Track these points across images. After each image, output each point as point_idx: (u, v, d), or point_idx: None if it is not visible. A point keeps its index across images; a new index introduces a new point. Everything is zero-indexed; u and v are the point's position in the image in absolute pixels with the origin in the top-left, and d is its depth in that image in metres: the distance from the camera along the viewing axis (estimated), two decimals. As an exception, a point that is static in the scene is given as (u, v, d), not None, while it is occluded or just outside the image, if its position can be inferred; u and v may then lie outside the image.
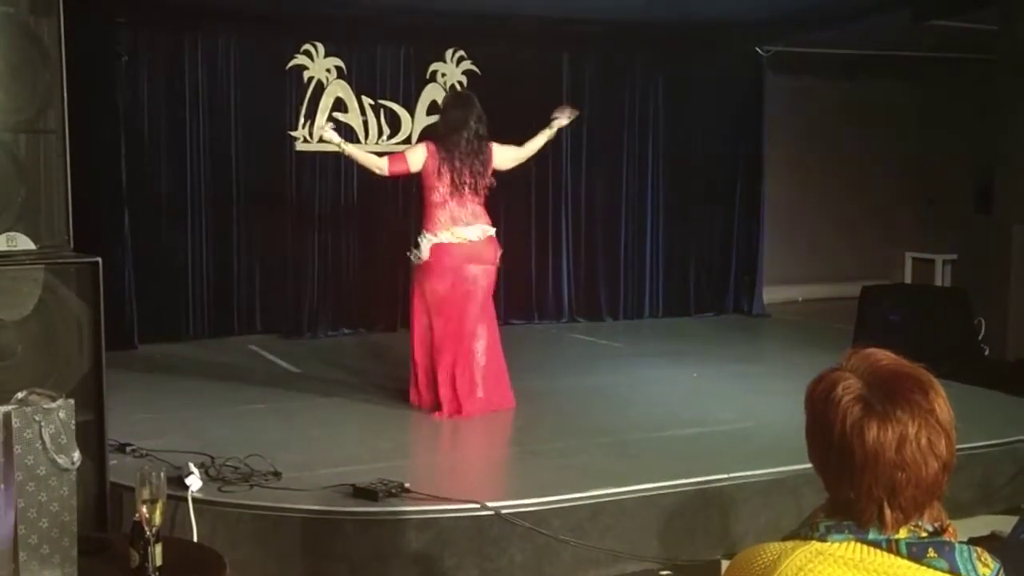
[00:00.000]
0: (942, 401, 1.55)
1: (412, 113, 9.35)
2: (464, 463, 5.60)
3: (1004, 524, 4.97)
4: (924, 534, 1.53)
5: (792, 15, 9.18)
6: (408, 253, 6.24)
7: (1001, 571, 1.53)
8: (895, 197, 12.11)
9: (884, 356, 1.59)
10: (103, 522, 3.74)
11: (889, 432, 1.50)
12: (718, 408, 6.40)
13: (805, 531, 1.58)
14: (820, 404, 1.56)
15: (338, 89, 9.14)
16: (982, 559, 1.52)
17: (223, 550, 3.07)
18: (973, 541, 1.57)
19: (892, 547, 1.51)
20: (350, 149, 6.41)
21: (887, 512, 1.52)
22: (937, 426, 1.52)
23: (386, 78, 9.32)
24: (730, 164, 10.61)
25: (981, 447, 5.37)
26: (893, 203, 12.11)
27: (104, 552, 2.89)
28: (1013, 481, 5.49)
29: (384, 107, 9.27)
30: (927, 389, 1.55)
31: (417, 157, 6.07)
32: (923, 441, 1.51)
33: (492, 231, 6.13)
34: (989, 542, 2.78)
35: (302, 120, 9.03)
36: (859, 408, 1.52)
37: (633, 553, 4.56)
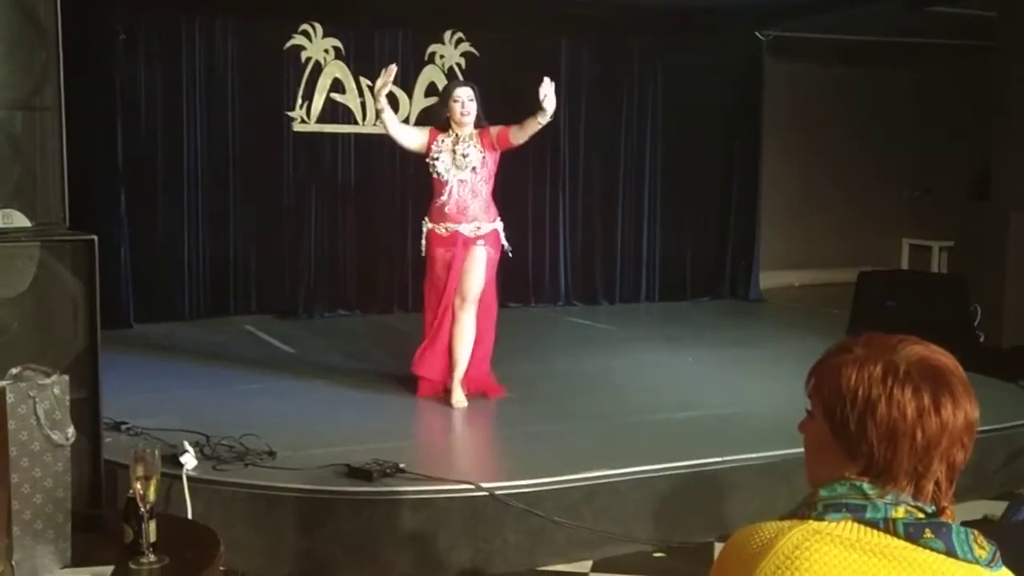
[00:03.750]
0: (970, 386, 1.62)
1: (410, 95, 9.32)
2: (459, 444, 5.61)
3: (997, 509, 5.00)
4: (922, 515, 1.54)
5: (791, 0, 9.15)
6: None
7: (997, 554, 1.53)
8: (892, 183, 12.11)
9: (896, 337, 1.62)
10: (98, 499, 3.73)
11: (961, 408, 1.57)
12: (713, 392, 6.41)
13: (803, 510, 1.58)
14: (876, 390, 1.57)
15: (336, 70, 9.12)
16: (978, 541, 1.52)
17: (218, 528, 3.07)
18: (966, 525, 1.57)
19: (889, 527, 1.51)
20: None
21: (942, 484, 1.57)
22: (976, 403, 1.60)
23: (384, 59, 9.23)
24: (728, 149, 10.61)
25: (976, 433, 5.37)
26: (890, 189, 12.11)
27: (98, 528, 2.89)
28: (1006, 467, 5.51)
29: (382, 88, 9.23)
30: (959, 367, 1.61)
31: None
32: (977, 416, 1.59)
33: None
34: (982, 526, 2.79)
35: (299, 101, 9.01)
36: (925, 390, 1.56)
37: (627, 535, 4.57)
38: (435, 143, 6.02)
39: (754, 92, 10.65)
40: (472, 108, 6.01)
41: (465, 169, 5.98)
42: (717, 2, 9.44)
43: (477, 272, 5.98)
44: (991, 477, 5.42)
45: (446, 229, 6.00)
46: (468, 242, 5.97)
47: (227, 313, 8.93)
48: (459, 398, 5.95)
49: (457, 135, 6.01)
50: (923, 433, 1.54)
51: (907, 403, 1.55)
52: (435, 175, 6.02)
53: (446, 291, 6.01)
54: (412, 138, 6.10)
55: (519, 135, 6.04)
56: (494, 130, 6.08)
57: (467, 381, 6.09)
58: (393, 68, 5.95)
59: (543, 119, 5.89)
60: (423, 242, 6.13)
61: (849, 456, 1.61)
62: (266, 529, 4.37)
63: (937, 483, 1.57)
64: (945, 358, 1.61)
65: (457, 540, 4.38)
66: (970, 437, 1.59)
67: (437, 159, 5.99)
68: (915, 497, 1.56)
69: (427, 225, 6.11)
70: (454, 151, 5.99)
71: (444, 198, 5.99)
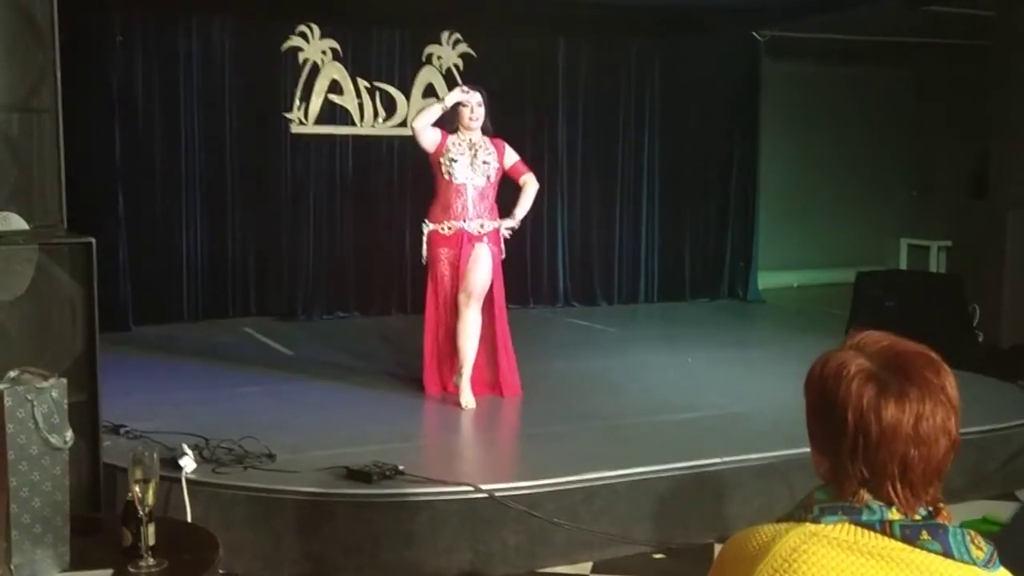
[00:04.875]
0: (951, 379, 1.56)
1: (408, 95, 9.32)
2: (458, 446, 5.60)
3: (996, 509, 5.00)
4: (918, 517, 1.53)
5: (789, 0, 9.16)
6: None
7: (995, 554, 1.53)
8: (890, 183, 12.12)
9: (888, 337, 1.59)
10: (97, 503, 3.73)
11: (906, 409, 1.51)
12: (712, 393, 6.40)
13: (799, 513, 1.58)
14: (831, 383, 1.55)
15: (333, 71, 9.11)
16: (975, 542, 1.52)
17: (217, 531, 3.06)
18: (965, 526, 1.56)
19: (885, 529, 1.51)
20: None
21: (898, 488, 1.52)
22: (948, 403, 1.53)
23: (382, 60, 9.30)
24: (726, 149, 10.61)
25: (974, 433, 5.37)
26: (888, 189, 12.11)
27: (97, 532, 2.89)
28: (1005, 467, 5.51)
29: (380, 89, 9.25)
30: (938, 367, 1.56)
31: None
32: (938, 418, 1.52)
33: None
34: (981, 526, 2.79)
35: (297, 102, 9.00)
36: (874, 386, 1.52)
37: (626, 537, 4.57)
38: (447, 145, 6.03)
39: (752, 92, 10.66)
40: (481, 113, 6.06)
41: (482, 176, 6.04)
42: (715, 3, 9.44)
43: (483, 268, 5.99)
44: (990, 477, 5.42)
45: (449, 228, 6.01)
46: (472, 239, 6.00)
47: (226, 315, 8.92)
48: (468, 398, 5.94)
49: (470, 140, 6.04)
50: (864, 437, 1.52)
51: (850, 405, 1.52)
52: (448, 177, 6.02)
53: (451, 291, 6.03)
54: (431, 137, 6.06)
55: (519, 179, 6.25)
56: (510, 154, 6.20)
57: (481, 379, 6.12)
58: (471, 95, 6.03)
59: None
60: (424, 245, 6.12)
61: (821, 456, 1.61)
62: (265, 532, 4.36)
63: (896, 491, 1.52)
64: (918, 356, 1.56)
65: (456, 542, 4.37)
66: (931, 445, 1.51)
67: (456, 161, 6.00)
68: (879, 501, 1.54)
69: (428, 226, 6.09)
70: (474, 156, 6.02)
71: (453, 201, 6.00)
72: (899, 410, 1.51)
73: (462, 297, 5.97)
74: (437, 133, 6.06)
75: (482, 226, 6.03)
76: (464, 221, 5.99)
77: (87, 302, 3.75)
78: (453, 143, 6.03)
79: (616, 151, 10.21)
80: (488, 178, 6.06)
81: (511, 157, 6.20)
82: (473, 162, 6.01)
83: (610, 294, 10.26)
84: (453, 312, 6.04)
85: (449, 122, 6.12)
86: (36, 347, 3.65)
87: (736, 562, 1.58)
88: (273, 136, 9.00)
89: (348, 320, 9.15)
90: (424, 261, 6.18)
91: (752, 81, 10.65)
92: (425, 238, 6.10)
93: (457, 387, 6.01)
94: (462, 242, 5.99)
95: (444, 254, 6.03)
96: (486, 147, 6.08)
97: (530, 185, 6.23)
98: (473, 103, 6.03)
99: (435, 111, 6.05)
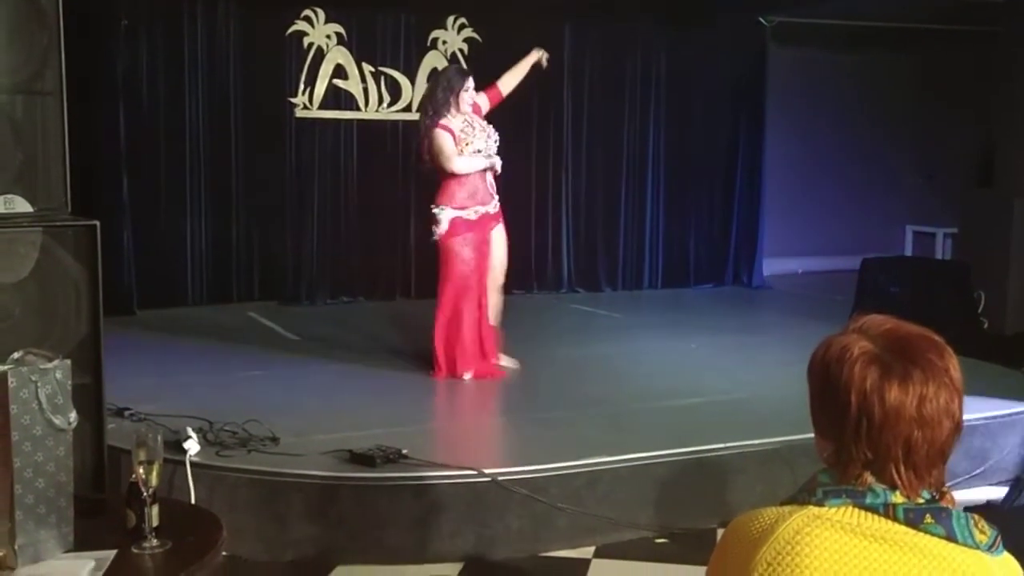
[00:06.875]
0: (955, 361, 1.56)
1: (412, 81, 9.30)
2: (462, 430, 5.61)
3: (1000, 495, 5.01)
4: (921, 500, 1.53)
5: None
6: None
7: (999, 539, 1.53)
8: (896, 170, 12.09)
9: (891, 320, 1.59)
10: (101, 485, 3.72)
11: (909, 391, 1.51)
12: (716, 379, 6.40)
13: (803, 496, 1.58)
14: (834, 367, 1.55)
15: (338, 56, 9.10)
16: (979, 526, 1.52)
17: (220, 514, 3.07)
18: (969, 511, 1.56)
19: (889, 512, 1.51)
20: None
21: (902, 470, 1.52)
22: (951, 385, 1.53)
23: (387, 45, 9.28)
24: (731, 135, 10.58)
25: (979, 419, 5.37)
26: (894, 176, 12.08)
27: (101, 513, 2.89)
28: (1009, 453, 5.51)
29: (384, 74, 9.23)
30: (941, 350, 1.56)
31: None
32: (941, 400, 1.52)
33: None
34: (985, 511, 2.79)
35: (302, 87, 8.99)
36: (877, 368, 1.52)
37: (629, 521, 4.57)
38: (458, 138, 6.00)
39: (758, 78, 10.62)
40: (474, 96, 6.17)
41: (495, 145, 6.16)
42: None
43: (505, 251, 6.28)
44: (995, 463, 5.42)
45: (475, 212, 6.02)
46: (492, 220, 6.15)
47: (230, 299, 8.93)
48: (507, 360, 6.30)
49: (466, 119, 6.05)
50: (868, 420, 1.52)
51: (853, 387, 1.52)
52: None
53: (477, 273, 6.04)
54: (460, 160, 6.04)
55: (509, 82, 6.37)
56: (482, 98, 6.27)
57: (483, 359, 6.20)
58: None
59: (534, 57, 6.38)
60: (443, 230, 6.01)
61: (825, 440, 1.60)
62: (269, 515, 4.37)
63: (899, 473, 1.52)
64: (922, 339, 1.56)
65: (460, 526, 4.38)
66: (935, 427, 1.52)
67: (470, 144, 6.02)
68: (883, 484, 1.54)
69: (448, 212, 6.01)
70: (487, 136, 6.11)
71: (479, 183, 6.04)
72: (903, 392, 1.51)
73: (500, 278, 6.23)
74: (450, 139, 6.00)
75: (496, 204, 6.18)
76: (489, 205, 6.11)
77: (91, 285, 3.75)
78: (462, 131, 6.02)
79: (621, 136, 10.19)
80: (496, 144, 6.19)
81: (483, 99, 6.28)
82: (487, 143, 6.10)
83: (614, 280, 10.26)
84: (484, 294, 6.11)
85: (442, 102, 6.05)
86: (40, 329, 3.65)
87: (739, 544, 1.58)
88: (278, 120, 8.99)
89: (352, 305, 9.16)
90: (436, 245, 6.10)
91: (758, 67, 10.61)
92: (447, 224, 6.02)
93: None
94: (487, 225, 6.11)
95: (469, 239, 6.01)
96: (477, 121, 6.13)
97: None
98: (471, 87, 6.16)
99: (480, 164, 6.05)
